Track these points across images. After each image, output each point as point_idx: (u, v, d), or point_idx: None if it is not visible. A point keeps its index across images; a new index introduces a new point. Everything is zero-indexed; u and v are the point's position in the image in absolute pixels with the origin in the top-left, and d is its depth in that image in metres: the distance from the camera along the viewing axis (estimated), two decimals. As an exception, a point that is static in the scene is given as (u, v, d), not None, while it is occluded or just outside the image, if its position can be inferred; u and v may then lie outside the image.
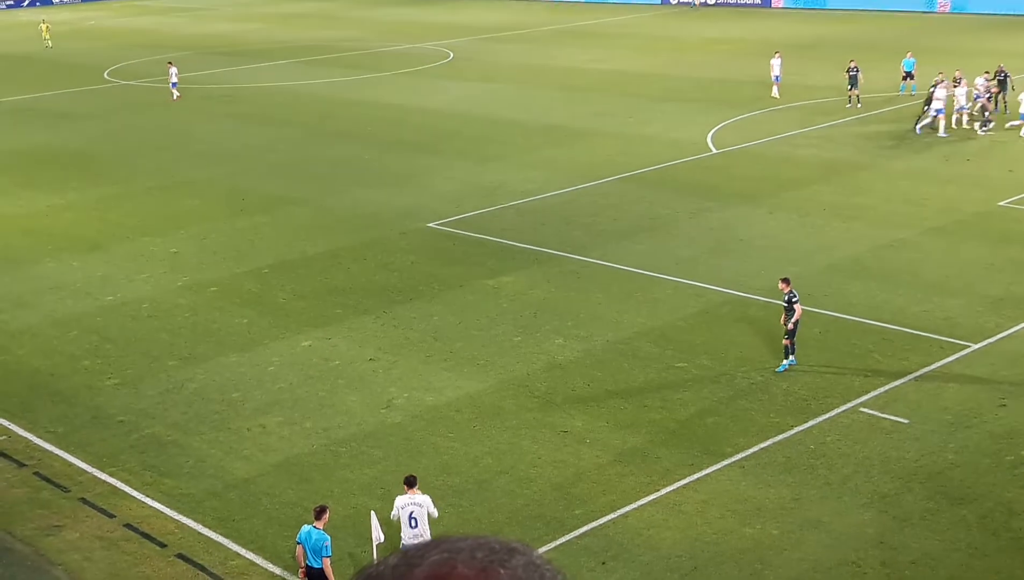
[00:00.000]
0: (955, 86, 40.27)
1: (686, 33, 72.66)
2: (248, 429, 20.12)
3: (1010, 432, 18.72)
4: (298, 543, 14.88)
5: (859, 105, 44.77)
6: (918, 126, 40.24)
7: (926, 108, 40.30)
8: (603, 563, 15.71)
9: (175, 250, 30.64)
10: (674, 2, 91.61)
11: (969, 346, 22.13)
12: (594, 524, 16.59)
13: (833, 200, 32.63)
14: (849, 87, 45.08)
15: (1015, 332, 22.71)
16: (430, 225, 32.03)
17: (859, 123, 42.82)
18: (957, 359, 21.62)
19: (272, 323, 25.13)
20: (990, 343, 22.26)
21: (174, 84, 53.29)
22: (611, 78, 55.88)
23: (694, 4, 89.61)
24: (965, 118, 40.45)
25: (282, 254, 29.94)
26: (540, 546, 16.02)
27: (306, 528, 14.80)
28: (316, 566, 14.66)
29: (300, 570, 14.88)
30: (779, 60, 47.89)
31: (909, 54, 48.12)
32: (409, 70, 61.32)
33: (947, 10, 77.49)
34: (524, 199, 34.26)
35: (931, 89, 40.03)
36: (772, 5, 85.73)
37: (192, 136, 45.74)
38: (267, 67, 64.06)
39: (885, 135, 40.67)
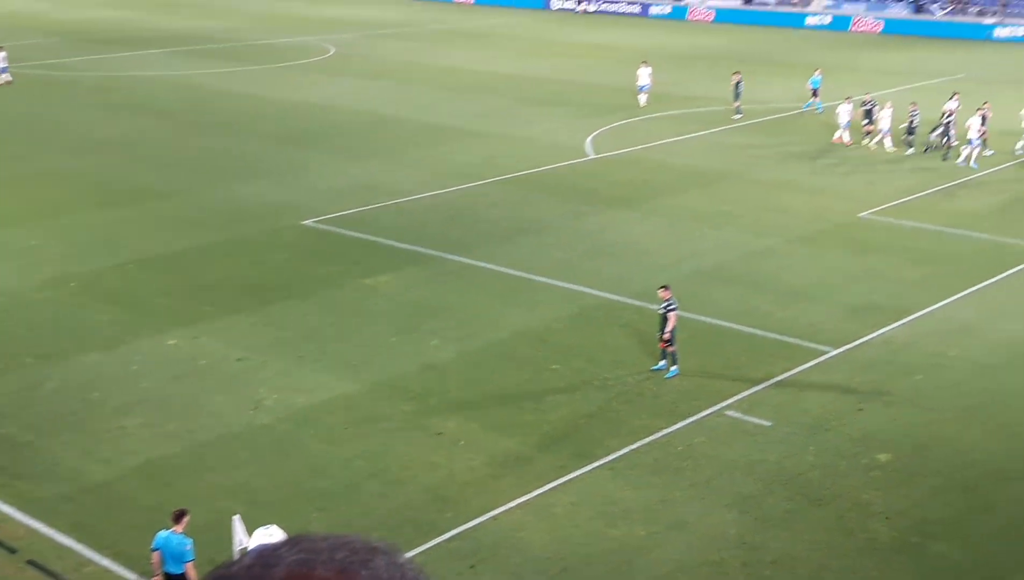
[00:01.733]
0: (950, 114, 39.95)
1: (568, 38, 73.32)
2: (107, 431, 19.55)
3: (866, 436, 19.36)
4: (154, 550, 14.28)
5: (739, 116, 45.50)
6: (961, 160, 38.31)
7: (944, 139, 39.37)
8: (472, 567, 15.74)
9: (34, 243, 29.62)
10: (556, 7, 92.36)
11: (829, 351, 22.82)
12: (465, 527, 16.59)
13: (705, 207, 33.31)
14: (734, 99, 45.70)
15: (872, 339, 23.51)
16: (306, 222, 31.65)
17: (734, 133, 43.80)
18: (818, 364, 22.27)
19: (136, 321, 24.48)
20: (849, 349, 22.99)
21: (3, 69, 51.60)
22: (493, 79, 56.05)
23: (576, 10, 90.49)
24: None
25: (150, 249, 29.21)
26: (410, 549, 15.96)
27: (163, 533, 14.28)
28: (176, 572, 14.17)
29: (155, 578, 14.44)
30: (647, 69, 48.39)
31: (817, 71, 48.71)
32: (289, 64, 60.52)
33: (824, 23, 79.69)
34: (404, 198, 34.13)
35: (943, 119, 39.31)
36: (649, 14, 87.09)
37: (58, 125, 44.32)
38: (142, 56, 62.50)
39: (757, 146, 41.69)
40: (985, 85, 53.37)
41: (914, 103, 40.93)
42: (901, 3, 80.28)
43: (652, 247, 29.57)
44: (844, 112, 40.89)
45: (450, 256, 28.73)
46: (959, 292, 26.21)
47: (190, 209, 33.02)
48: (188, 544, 14.20)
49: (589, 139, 42.28)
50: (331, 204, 33.34)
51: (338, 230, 30.95)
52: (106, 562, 15.78)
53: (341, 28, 76.37)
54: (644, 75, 48.21)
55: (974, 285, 26.68)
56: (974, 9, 77.93)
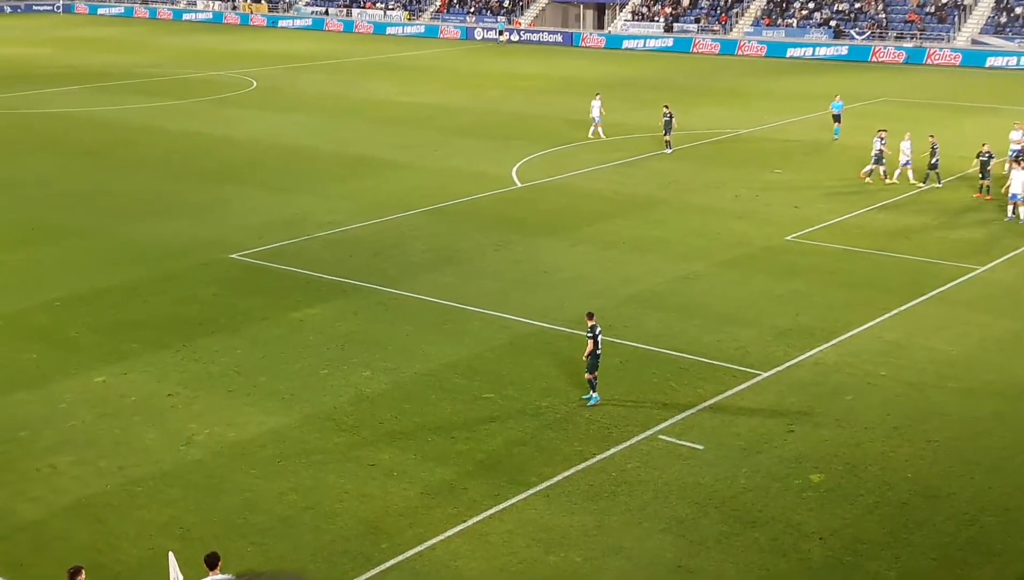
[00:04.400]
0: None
1: (491, 69, 73.79)
2: (37, 469, 19.14)
3: (798, 457, 19.62)
4: None
5: (669, 151, 44.89)
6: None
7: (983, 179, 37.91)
8: (410, 597, 15.62)
9: (-45, 282, 28.97)
10: (479, 38, 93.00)
11: (759, 374, 23.12)
12: (401, 557, 16.48)
13: (632, 233, 33.63)
14: (664, 133, 45.12)
15: (801, 361, 23.86)
16: (232, 256, 31.35)
17: (660, 160, 44.32)
18: (748, 387, 22.54)
19: (63, 358, 24.03)
20: (779, 371, 23.31)
21: None
22: (417, 111, 56.16)
23: (499, 40, 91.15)
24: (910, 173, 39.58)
25: (73, 287, 28.71)
26: (346, 582, 15.82)
27: None
28: None
29: None
30: (599, 101, 48.60)
31: (838, 97, 49.09)
32: (210, 98, 60.04)
33: (754, 53, 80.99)
34: (330, 230, 33.97)
35: (985, 159, 37.66)
36: (581, 44, 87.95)
37: (-23, 162, 43.43)
38: (57, 92, 61.56)
39: (684, 172, 42.22)
40: (903, 108, 54.75)
41: (932, 136, 39.82)
42: (821, 29, 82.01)
43: (582, 274, 29.76)
44: (906, 149, 39.29)
45: (379, 287, 28.64)
46: (887, 313, 26.73)
47: (114, 246, 32.53)
48: None
49: (515, 168, 42.51)
50: (257, 238, 33.08)
51: (265, 263, 30.70)
52: (37, 604, 15.40)
53: (262, 62, 75.99)
54: (596, 107, 48.25)
55: (901, 306, 27.22)
56: (892, 33, 79.91)
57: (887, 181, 39.84)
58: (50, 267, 30.44)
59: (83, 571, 13.82)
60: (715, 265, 30.56)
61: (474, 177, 41.05)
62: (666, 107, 45.98)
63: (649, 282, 29.11)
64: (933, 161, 39.13)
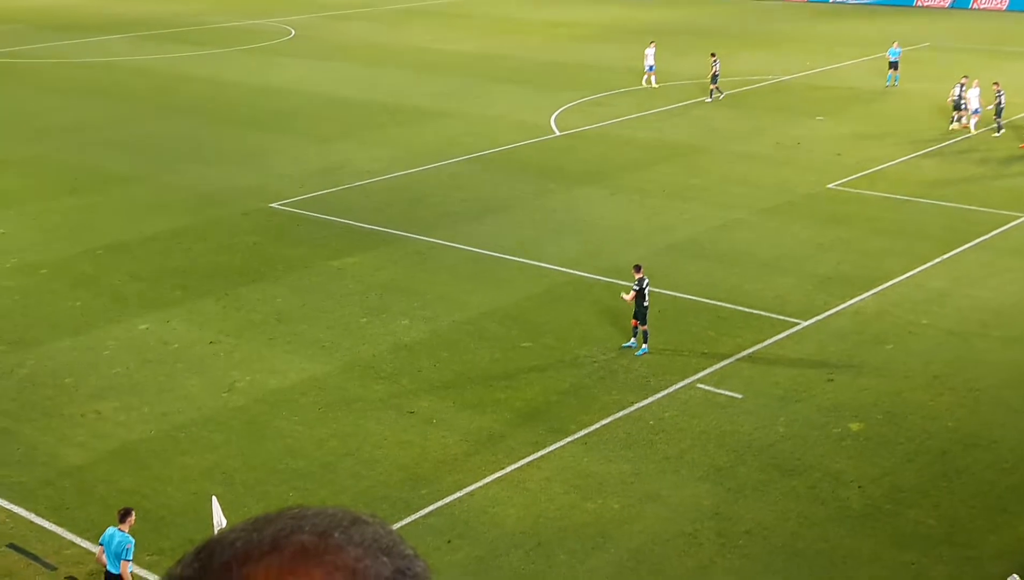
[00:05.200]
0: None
1: (529, 16, 73.13)
2: (82, 415, 19.48)
3: (836, 406, 19.56)
4: (100, 544, 13.96)
5: (721, 96, 44.37)
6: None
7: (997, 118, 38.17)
8: (448, 541, 15.82)
9: (2, 231, 29.36)
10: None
11: (799, 323, 23.01)
12: (440, 503, 16.66)
13: (672, 181, 33.42)
14: (711, 82, 44.54)
15: (842, 310, 23.72)
16: (273, 205, 31.51)
17: (698, 107, 43.90)
18: (788, 336, 22.45)
19: (107, 306, 24.35)
20: (819, 320, 23.19)
21: None
22: (455, 59, 55.87)
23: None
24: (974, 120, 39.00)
25: (118, 234, 29.01)
26: (386, 527, 16.00)
27: (109, 531, 13.90)
28: (115, 571, 13.70)
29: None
30: (653, 49, 47.31)
31: (896, 43, 48.21)
32: (250, 47, 60.05)
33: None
34: (369, 179, 34.02)
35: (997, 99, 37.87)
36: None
37: (19, 111, 43.82)
38: (101, 41, 61.79)
39: (723, 119, 41.81)
40: (948, 54, 53.83)
41: (997, 83, 38.94)
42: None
43: (620, 223, 29.65)
44: (973, 97, 38.56)
45: (417, 236, 28.70)
46: (928, 261, 26.46)
47: (157, 194, 32.79)
48: (129, 543, 13.72)
49: (553, 116, 42.27)
50: (297, 187, 33.20)
51: (305, 213, 30.83)
52: (86, 544, 15.74)
53: (300, 10, 75.79)
54: (650, 55, 47.00)
55: (943, 254, 26.94)
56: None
57: (951, 126, 39.06)
58: (94, 214, 30.75)
59: (133, 512, 14.10)
60: (755, 213, 30.33)
61: (513, 125, 40.86)
62: (713, 55, 45.33)
63: (689, 231, 28.96)
64: (999, 107, 38.20)
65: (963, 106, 38.90)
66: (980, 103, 38.69)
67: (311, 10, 75.93)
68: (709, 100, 44.51)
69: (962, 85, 39.26)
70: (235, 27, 67.66)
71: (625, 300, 21.71)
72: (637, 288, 21.44)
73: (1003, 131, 38.42)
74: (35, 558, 15.56)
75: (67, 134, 40.25)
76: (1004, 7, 73.16)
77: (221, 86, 49.05)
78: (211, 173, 34.89)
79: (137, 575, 14.49)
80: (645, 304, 21.48)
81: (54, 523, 16.30)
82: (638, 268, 21.78)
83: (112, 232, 29.21)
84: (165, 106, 44.93)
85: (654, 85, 47.03)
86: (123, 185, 33.67)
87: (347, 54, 57.61)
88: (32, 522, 16.37)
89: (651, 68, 47.17)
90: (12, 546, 15.84)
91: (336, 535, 1.55)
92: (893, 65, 46.85)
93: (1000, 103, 38.28)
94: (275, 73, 51.97)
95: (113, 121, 42.28)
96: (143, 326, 23.23)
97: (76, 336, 22.78)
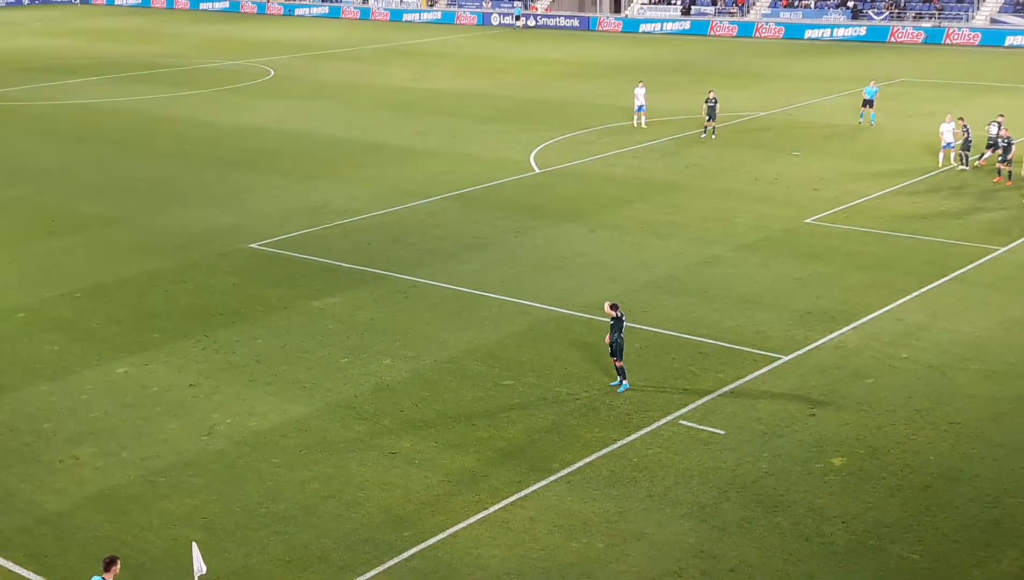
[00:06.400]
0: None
1: (508, 54, 73.62)
2: (60, 461, 19.28)
3: (819, 440, 19.55)
4: None
5: (714, 137, 44.38)
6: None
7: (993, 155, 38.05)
8: (432, 584, 15.67)
9: (-21, 274, 29.19)
10: (496, 23, 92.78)
11: (780, 358, 23.04)
12: (423, 545, 16.53)
13: (651, 218, 33.54)
14: (707, 118, 44.38)
15: (822, 344, 23.77)
16: (252, 246, 31.45)
17: (674, 144, 44.16)
18: (769, 371, 22.47)
19: (85, 350, 24.18)
20: (799, 355, 23.22)
21: None
22: (435, 97, 56.11)
23: (516, 25, 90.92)
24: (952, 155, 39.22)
25: (95, 277, 28.87)
26: (369, 570, 15.89)
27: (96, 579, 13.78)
28: None
29: None
30: (643, 89, 46.85)
31: (872, 82, 48.59)
32: (229, 87, 60.15)
33: (771, 35, 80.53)
34: (349, 218, 34.03)
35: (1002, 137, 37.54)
36: (598, 28, 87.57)
37: (-2, 154, 43.71)
38: (80, 83, 61.81)
39: (700, 155, 42.05)
40: (922, 89, 54.36)
41: (962, 118, 39.34)
42: (839, 9, 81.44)
43: (601, 259, 29.70)
44: (947, 131, 38.84)
45: (397, 275, 28.67)
46: (907, 295, 26.58)
47: (136, 236, 32.70)
48: None
49: (533, 154, 42.44)
50: (277, 227, 33.17)
51: (285, 252, 30.78)
52: (63, 594, 15.53)
53: (279, 51, 76.07)
54: (640, 95, 46.66)
55: (921, 288, 27.07)
56: (911, 13, 79.30)
57: (941, 165, 39.15)
58: (71, 257, 30.61)
59: (118, 561, 13.85)
60: (734, 249, 30.45)
61: (492, 163, 41.00)
62: (711, 92, 45.11)
63: (668, 267, 29.03)
64: (967, 141, 38.51)
65: (998, 144, 37.92)
66: (952, 137, 39.00)
67: (290, 50, 76.21)
68: (704, 135, 44.59)
69: (999, 124, 38.56)
70: (215, 68, 67.80)
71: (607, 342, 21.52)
72: (614, 323, 21.19)
73: (969, 167, 38.72)
74: (13, 607, 15.33)
75: (46, 176, 40.14)
76: (976, 42, 74.04)
77: (201, 127, 49.07)
78: (190, 214, 34.82)
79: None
80: (620, 337, 21.28)
81: (33, 571, 16.08)
82: (615, 306, 21.54)
83: (90, 275, 29.07)
84: (145, 147, 44.89)
85: (644, 125, 47.02)
86: (102, 227, 33.55)
87: (326, 94, 57.78)
88: (10, 571, 16.14)
89: (640, 108, 46.96)
90: (-11, 595, 15.62)
91: None
92: (869, 103, 47.14)
93: (968, 138, 38.60)
94: (255, 113, 52.06)
95: (92, 163, 42.19)
96: (121, 369, 23.08)
97: (54, 381, 22.60)
